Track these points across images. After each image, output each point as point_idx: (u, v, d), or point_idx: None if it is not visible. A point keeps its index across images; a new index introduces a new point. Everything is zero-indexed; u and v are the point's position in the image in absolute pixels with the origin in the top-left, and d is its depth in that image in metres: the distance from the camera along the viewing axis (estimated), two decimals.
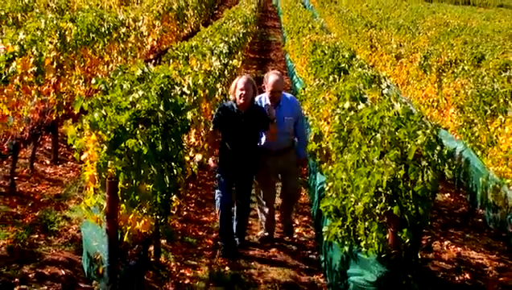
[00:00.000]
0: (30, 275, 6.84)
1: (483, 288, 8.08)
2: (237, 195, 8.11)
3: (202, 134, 8.98)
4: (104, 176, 5.22)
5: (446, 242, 9.32)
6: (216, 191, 8.17)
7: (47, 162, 10.90)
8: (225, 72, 11.64)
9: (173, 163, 6.05)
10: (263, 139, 8.17)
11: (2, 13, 12.68)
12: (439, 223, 9.95)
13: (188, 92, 7.46)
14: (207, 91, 8.94)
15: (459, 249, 9.15)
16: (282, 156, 8.25)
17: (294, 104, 8.51)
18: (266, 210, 8.43)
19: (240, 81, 7.71)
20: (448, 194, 11.26)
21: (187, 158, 7.60)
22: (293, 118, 8.25)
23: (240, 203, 8.14)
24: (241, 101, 7.66)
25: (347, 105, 6.97)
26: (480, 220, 9.66)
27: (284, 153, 8.26)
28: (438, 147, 5.43)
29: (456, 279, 8.26)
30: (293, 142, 8.44)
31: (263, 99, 8.17)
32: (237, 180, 8.04)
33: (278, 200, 8.98)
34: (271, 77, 8.09)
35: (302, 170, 9.25)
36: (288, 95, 8.68)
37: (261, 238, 8.55)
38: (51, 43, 9.74)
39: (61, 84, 10.22)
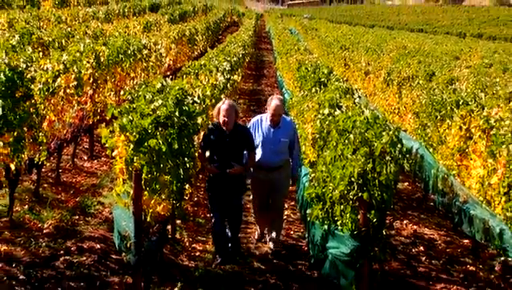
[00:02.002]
0: (72, 248, 6.84)
1: (434, 257, 8.09)
2: (228, 211, 7.12)
3: None
4: (130, 168, 5.22)
5: (405, 222, 9.38)
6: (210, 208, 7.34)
7: (85, 158, 10.94)
8: (228, 85, 11.67)
9: (186, 159, 6.04)
10: (259, 156, 7.37)
11: (50, 39, 12.69)
12: (399, 206, 10.01)
13: (198, 101, 7.44)
14: (213, 100, 8.93)
15: (415, 227, 9.19)
16: (273, 172, 7.43)
17: (291, 127, 7.63)
18: (260, 218, 7.88)
19: (222, 108, 6.91)
20: (407, 183, 11.30)
21: (197, 154, 7.55)
22: (288, 140, 7.47)
23: (231, 219, 7.19)
24: (224, 126, 6.90)
25: (326, 111, 7.01)
26: (431, 204, 9.68)
27: (276, 170, 7.44)
28: (399, 145, 5.44)
29: (413, 250, 8.30)
30: (286, 161, 7.58)
31: (264, 118, 7.53)
32: (225, 197, 7.03)
33: None
34: (273, 102, 7.42)
35: (289, 188, 8.15)
36: (288, 118, 7.91)
37: (258, 239, 8.01)
38: (88, 62, 9.75)
39: (96, 96, 10.24)
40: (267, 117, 7.48)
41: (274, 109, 7.36)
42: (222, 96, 10.27)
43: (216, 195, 7.05)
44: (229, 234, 7.19)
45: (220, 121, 6.91)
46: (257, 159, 7.36)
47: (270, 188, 7.52)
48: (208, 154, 7.01)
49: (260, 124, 7.49)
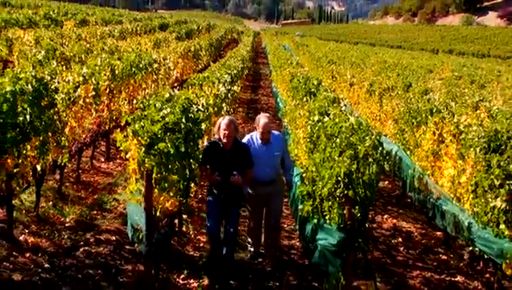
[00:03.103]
0: (91, 240, 6.83)
1: (411, 247, 8.11)
2: (224, 225, 6.61)
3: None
4: (142, 169, 5.21)
5: (385, 216, 9.38)
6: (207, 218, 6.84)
7: (102, 160, 10.91)
8: (229, 95, 11.66)
9: (192, 160, 6.03)
10: (254, 172, 6.82)
11: (72, 54, 12.71)
12: (380, 203, 10.01)
13: (202, 109, 7.43)
14: (215, 108, 8.95)
15: (394, 221, 9.20)
16: (269, 186, 6.94)
17: (281, 140, 7.20)
18: (257, 234, 7.24)
19: (223, 123, 6.46)
20: (387, 182, 11.30)
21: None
22: (281, 153, 7.03)
23: (227, 234, 6.54)
24: (225, 140, 6.43)
25: (316, 118, 7.00)
26: (409, 200, 9.68)
27: (271, 184, 6.96)
28: (380, 148, 5.43)
29: (392, 241, 8.32)
30: (279, 175, 7.22)
31: (254, 137, 7.02)
32: (223, 211, 6.55)
33: None
34: (262, 120, 6.91)
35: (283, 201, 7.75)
36: (276, 133, 7.29)
37: (251, 256, 7.24)
38: (105, 75, 9.75)
39: (112, 104, 10.24)
40: (257, 135, 7.01)
41: (263, 127, 6.89)
42: (223, 104, 10.29)
43: (216, 202, 6.59)
44: (224, 251, 6.49)
45: (221, 135, 6.47)
46: (254, 175, 6.87)
47: (266, 203, 7.10)
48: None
49: (252, 142, 6.98)
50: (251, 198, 7.04)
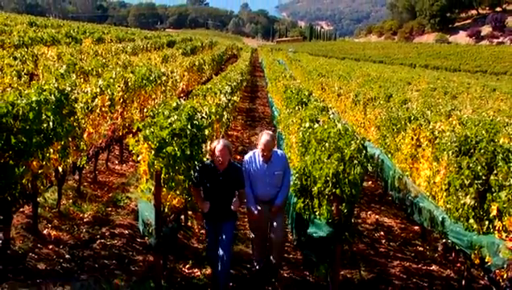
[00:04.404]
0: (106, 233, 6.84)
1: (392, 240, 8.11)
2: (219, 244, 5.85)
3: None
4: (152, 170, 5.20)
5: (369, 212, 9.38)
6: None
7: (116, 162, 10.90)
8: (229, 105, 11.65)
9: (196, 162, 6.02)
10: (255, 190, 6.18)
11: (89, 68, 12.67)
12: (364, 200, 10.00)
13: (206, 117, 7.42)
14: (217, 116, 8.93)
15: (377, 216, 9.20)
16: (269, 204, 6.20)
17: (283, 159, 6.30)
18: (257, 249, 6.48)
19: (217, 147, 5.80)
20: (370, 182, 11.30)
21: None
22: (282, 172, 6.20)
23: (221, 251, 5.79)
24: (219, 165, 5.82)
25: (307, 124, 6.99)
26: (390, 198, 9.67)
27: (272, 202, 6.21)
28: (364, 152, 5.43)
29: (375, 235, 8.31)
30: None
31: (256, 154, 6.24)
32: (218, 230, 5.90)
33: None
34: (263, 138, 6.13)
35: (285, 218, 6.90)
36: (279, 152, 6.41)
37: (254, 273, 6.47)
38: (119, 86, 9.74)
39: (125, 113, 10.22)
40: (259, 152, 6.23)
41: (264, 145, 6.10)
42: (224, 113, 10.27)
43: (210, 222, 5.99)
44: (219, 268, 5.83)
45: (215, 161, 5.86)
46: (254, 193, 6.19)
47: (268, 221, 6.30)
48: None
49: (254, 160, 6.22)
50: (251, 218, 6.33)
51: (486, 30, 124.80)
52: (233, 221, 6.11)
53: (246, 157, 6.33)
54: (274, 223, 6.27)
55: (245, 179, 6.11)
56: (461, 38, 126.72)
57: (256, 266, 6.46)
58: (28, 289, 4.91)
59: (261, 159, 6.19)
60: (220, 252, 5.80)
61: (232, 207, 5.84)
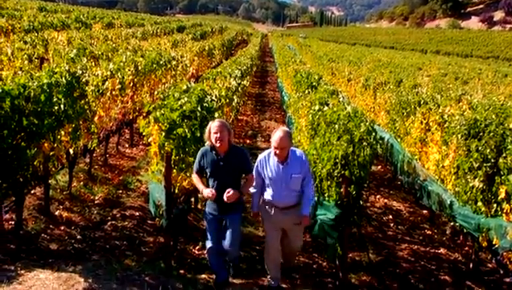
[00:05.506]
0: (117, 215, 6.91)
1: (400, 223, 8.13)
2: (225, 238, 5.21)
3: None
4: (162, 152, 5.26)
5: (378, 196, 9.39)
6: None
7: (127, 145, 10.97)
8: (239, 89, 11.66)
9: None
10: (269, 193, 5.31)
11: (100, 52, 12.68)
12: (373, 184, 10.00)
13: (215, 99, 7.45)
14: (227, 100, 8.95)
15: (386, 200, 9.21)
16: (287, 213, 5.30)
17: (302, 161, 5.23)
18: (271, 262, 5.54)
19: (213, 125, 5.04)
20: (380, 166, 11.30)
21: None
22: (301, 175, 5.20)
23: (228, 247, 5.20)
24: (218, 144, 5.00)
25: (317, 107, 7.01)
26: (399, 182, 9.69)
27: (290, 209, 5.29)
28: (373, 134, 5.45)
29: (384, 218, 8.32)
30: (300, 198, 5.33)
31: (271, 155, 5.26)
32: (222, 222, 5.26)
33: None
34: (276, 134, 5.11)
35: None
36: (298, 151, 5.34)
37: (267, 288, 5.55)
38: (129, 70, 9.76)
39: (135, 96, 10.25)
40: (272, 152, 5.27)
41: (276, 142, 5.08)
42: (234, 96, 10.28)
43: (213, 214, 5.28)
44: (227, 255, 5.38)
45: (212, 140, 5.05)
46: (270, 198, 5.32)
47: (285, 229, 5.50)
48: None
49: (267, 161, 5.29)
50: (268, 224, 5.50)
51: (499, 15, 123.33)
52: (240, 213, 5.42)
53: (260, 157, 5.40)
54: (294, 233, 5.55)
55: (257, 183, 5.35)
56: (473, 23, 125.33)
57: (272, 282, 5.56)
58: (41, 268, 4.99)
59: (275, 159, 5.23)
60: (227, 247, 5.20)
61: (226, 197, 4.96)
